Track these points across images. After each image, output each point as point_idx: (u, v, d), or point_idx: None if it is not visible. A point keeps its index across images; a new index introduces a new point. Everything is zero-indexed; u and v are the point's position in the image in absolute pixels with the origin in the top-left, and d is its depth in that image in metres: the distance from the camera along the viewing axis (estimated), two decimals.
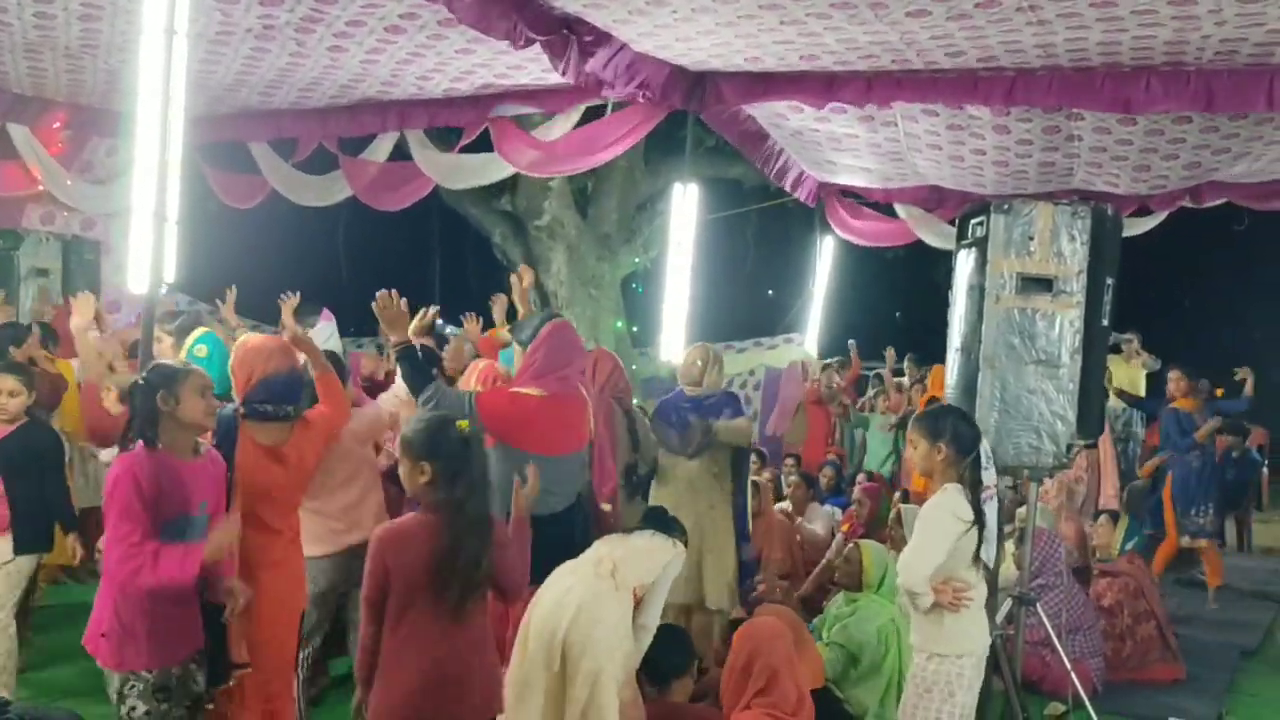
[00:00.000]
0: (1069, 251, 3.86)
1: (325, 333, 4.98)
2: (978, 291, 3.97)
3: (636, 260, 11.69)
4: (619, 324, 11.57)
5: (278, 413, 3.69)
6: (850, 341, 10.78)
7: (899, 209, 8.98)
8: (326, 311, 5.38)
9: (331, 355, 4.20)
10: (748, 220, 13.95)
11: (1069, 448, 3.94)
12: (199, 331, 5.18)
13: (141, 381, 3.25)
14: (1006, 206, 3.92)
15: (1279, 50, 5.00)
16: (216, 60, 6.43)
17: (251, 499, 3.60)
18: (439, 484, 2.99)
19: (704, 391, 5.50)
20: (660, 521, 4.10)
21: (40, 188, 7.92)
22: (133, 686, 3.23)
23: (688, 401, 5.50)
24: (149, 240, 3.81)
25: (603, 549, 3.84)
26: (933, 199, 8.75)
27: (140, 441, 3.18)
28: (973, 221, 4.13)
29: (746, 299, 14.77)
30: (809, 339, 10.80)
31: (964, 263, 4.20)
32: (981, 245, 3.97)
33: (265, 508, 3.66)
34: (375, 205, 7.91)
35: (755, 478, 7.37)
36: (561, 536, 3.97)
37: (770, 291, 15.20)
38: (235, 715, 3.63)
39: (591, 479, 4.36)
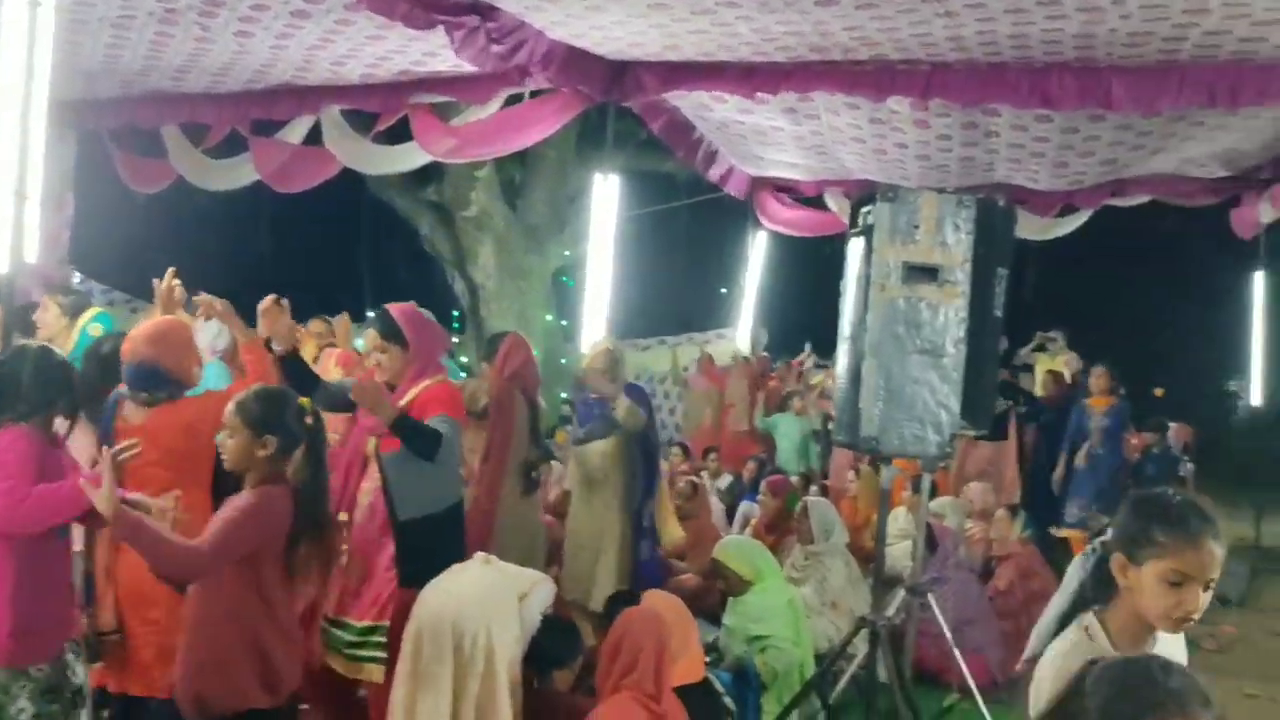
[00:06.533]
0: (954, 241, 3.83)
1: (213, 330, 4.75)
2: (865, 280, 3.92)
3: (566, 253, 11.54)
4: (548, 318, 11.44)
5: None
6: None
7: (830, 200, 8.98)
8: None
9: None
10: (680, 215, 13.85)
11: (953, 437, 3.91)
12: (92, 311, 5.17)
13: None
14: (892, 194, 3.89)
15: (1185, 46, 5.03)
16: (122, 44, 6.27)
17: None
18: (277, 458, 2.99)
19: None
20: None
21: None
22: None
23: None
24: (8, 218, 3.67)
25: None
26: (865, 192, 8.74)
27: None
28: (862, 210, 4.09)
29: (680, 294, 14.68)
30: (740, 334, 10.78)
31: (854, 251, 4.15)
32: (869, 234, 3.93)
33: None
34: (278, 188, 7.68)
35: (694, 478, 7.20)
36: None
37: (721, 288, 15.13)
38: None
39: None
